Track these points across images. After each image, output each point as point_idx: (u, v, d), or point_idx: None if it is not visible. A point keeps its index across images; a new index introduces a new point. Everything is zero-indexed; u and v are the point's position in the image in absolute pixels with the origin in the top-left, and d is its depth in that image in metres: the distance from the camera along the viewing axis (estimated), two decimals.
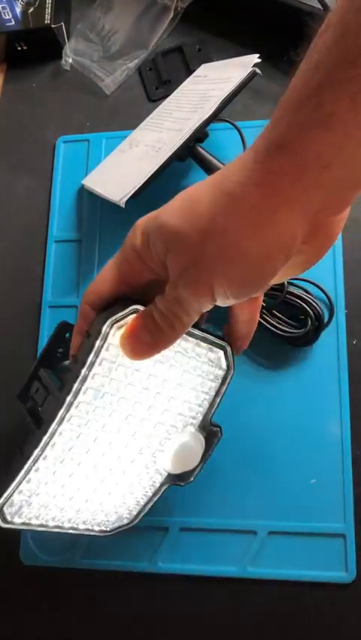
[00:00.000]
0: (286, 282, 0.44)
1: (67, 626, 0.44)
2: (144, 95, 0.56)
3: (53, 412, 0.31)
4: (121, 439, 0.34)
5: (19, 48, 0.58)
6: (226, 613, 0.42)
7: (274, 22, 0.52)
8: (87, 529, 0.38)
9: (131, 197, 0.44)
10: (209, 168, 0.48)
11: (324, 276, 0.46)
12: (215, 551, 0.43)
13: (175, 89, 0.53)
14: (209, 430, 0.37)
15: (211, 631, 0.42)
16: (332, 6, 0.48)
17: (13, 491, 0.33)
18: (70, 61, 0.57)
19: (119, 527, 0.39)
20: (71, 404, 0.31)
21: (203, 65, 0.54)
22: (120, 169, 0.50)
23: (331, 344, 0.45)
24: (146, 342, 0.28)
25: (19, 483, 0.33)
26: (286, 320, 0.44)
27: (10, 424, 0.49)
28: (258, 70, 0.45)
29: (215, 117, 0.45)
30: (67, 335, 0.40)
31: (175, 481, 0.38)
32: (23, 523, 0.35)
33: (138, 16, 0.57)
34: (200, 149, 0.48)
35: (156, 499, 0.38)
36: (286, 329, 0.44)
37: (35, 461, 0.32)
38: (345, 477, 0.42)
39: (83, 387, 0.31)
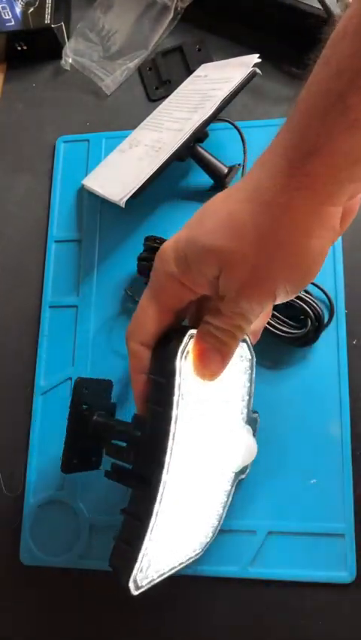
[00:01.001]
0: None
1: (67, 626, 0.44)
2: (144, 95, 0.56)
3: (156, 462, 0.30)
4: (195, 460, 0.34)
5: (19, 48, 0.58)
6: (225, 613, 0.42)
7: (274, 22, 0.52)
8: (189, 558, 0.38)
9: (131, 197, 0.44)
10: (209, 168, 0.48)
11: (324, 276, 0.46)
12: (215, 551, 0.43)
13: (175, 88, 0.53)
14: (250, 417, 0.39)
15: (211, 631, 0.42)
16: (332, 6, 0.48)
17: (141, 560, 0.32)
18: (70, 61, 0.57)
19: (207, 543, 0.40)
20: (171, 448, 0.30)
21: (203, 65, 0.54)
22: (120, 169, 0.50)
23: (331, 344, 0.45)
24: (216, 360, 0.29)
25: (145, 549, 0.31)
26: (286, 320, 0.44)
27: (9, 423, 0.48)
28: (258, 70, 0.45)
29: (215, 117, 0.45)
30: (85, 390, 0.37)
31: (239, 477, 0.40)
32: (149, 582, 0.35)
33: (138, 16, 0.57)
34: (200, 149, 0.48)
35: (230, 501, 0.39)
36: (286, 329, 0.44)
37: (153, 525, 0.31)
38: (345, 477, 0.42)
39: (175, 427, 0.30)
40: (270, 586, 0.42)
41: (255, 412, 0.40)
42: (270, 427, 0.44)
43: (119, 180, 0.47)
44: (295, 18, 0.50)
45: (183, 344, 0.29)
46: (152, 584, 0.34)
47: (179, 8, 0.55)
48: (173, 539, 0.35)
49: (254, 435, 0.39)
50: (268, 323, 0.44)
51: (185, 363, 0.30)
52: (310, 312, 0.43)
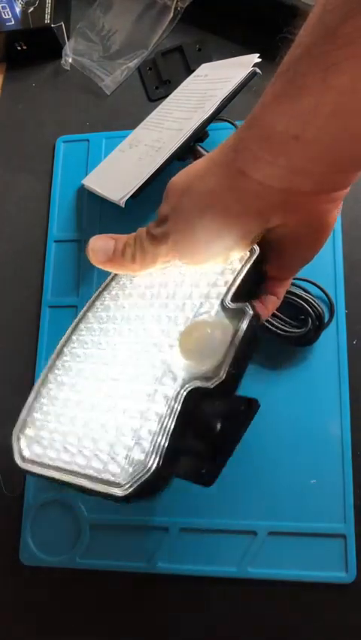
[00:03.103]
0: None
1: (67, 626, 0.44)
2: (144, 94, 0.56)
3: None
4: (125, 341, 0.33)
5: (19, 48, 0.58)
6: (226, 613, 0.42)
7: (274, 22, 0.52)
8: (102, 481, 0.28)
9: (131, 196, 0.44)
10: None
11: (324, 276, 0.46)
12: (215, 551, 0.43)
13: (175, 88, 0.53)
14: (232, 308, 0.29)
15: (211, 631, 0.42)
16: None
17: (26, 417, 0.33)
18: (70, 60, 0.57)
19: (138, 473, 0.26)
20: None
21: (203, 65, 0.54)
22: (120, 169, 0.50)
23: (331, 344, 0.45)
24: (106, 250, 0.30)
25: (30, 408, 0.33)
26: (287, 320, 0.44)
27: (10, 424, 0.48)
28: (258, 70, 0.45)
29: (215, 117, 0.45)
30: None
31: (199, 382, 0.28)
32: (40, 463, 0.31)
33: (137, 15, 0.57)
34: (200, 149, 0.48)
35: (177, 407, 0.27)
36: (287, 328, 0.44)
37: (43, 384, 0.32)
38: (345, 477, 0.42)
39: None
40: (270, 586, 0.42)
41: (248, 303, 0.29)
42: (270, 427, 0.44)
43: (119, 180, 0.47)
44: (295, 18, 0.50)
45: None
46: (54, 473, 0.30)
47: (179, 8, 0.55)
48: (88, 419, 0.31)
49: (239, 332, 0.28)
50: (269, 322, 0.44)
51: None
52: (311, 311, 0.43)
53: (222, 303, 0.30)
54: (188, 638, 0.43)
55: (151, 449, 0.26)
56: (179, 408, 0.27)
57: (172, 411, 0.27)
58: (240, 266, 0.30)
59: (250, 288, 0.31)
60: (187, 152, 0.47)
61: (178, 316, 0.31)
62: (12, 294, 0.52)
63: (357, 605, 0.41)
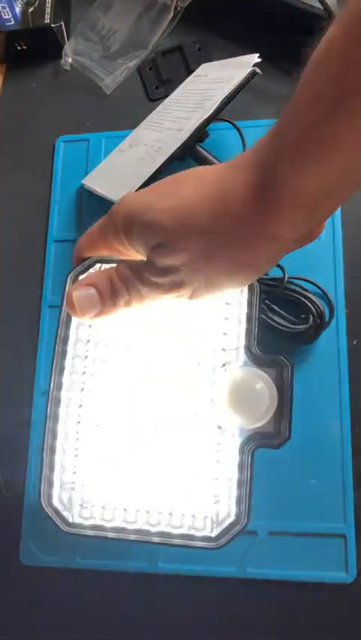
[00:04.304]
0: (285, 275, 0.44)
1: (67, 626, 0.44)
2: (144, 94, 0.56)
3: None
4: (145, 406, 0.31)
5: (19, 48, 0.58)
6: (226, 613, 0.42)
7: (274, 22, 0.52)
8: (184, 535, 0.30)
9: None
10: None
11: (324, 276, 0.46)
12: (215, 551, 0.42)
13: (175, 88, 0.53)
14: (263, 358, 0.30)
15: (211, 631, 0.42)
16: (333, 5, 0.48)
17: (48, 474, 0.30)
18: (70, 60, 0.57)
19: (227, 531, 0.30)
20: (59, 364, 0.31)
21: (203, 65, 0.54)
22: (120, 169, 0.50)
23: (331, 344, 0.45)
24: (92, 301, 0.27)
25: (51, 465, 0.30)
26: (289, 317, 0.44)
27: (10, 423, 0.48)
28: (258, 70, 0.45)
29: (215, 117, 0.45)
30: None
31: (261, 441, 0.30)
32: (92, 526, 0.30)
33: (137, 15, 0.57)
34: (200, 149, 0.48)
35: (248, 475, 0.30)
36: (288, 324, 0.44)
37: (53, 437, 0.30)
38: (345, 477, 0.42)
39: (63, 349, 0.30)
40: (270, 586, 0.42)
41: (280, 355, 0.30)
42: None
43: (119, 180, 0.47)
44: (295, 17, 0.50)
45: (75, 271, 0.29)
46: (114, 534, 0.30)
47: (179, 8, 0.55)
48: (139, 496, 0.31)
49: (283, 384, 0.29)
50: (270, 319, 0.44)
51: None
52: (312, 307, 0.43)
53: (249, 352, 0.30)
54: (188, 638, 0.43)
55: (241, 510, 0.29)
56: (249, 471, 0.29)
57: (247, 474, 0.29)
58: (248, 309, 0.30)
59: None
60: (187, 152, 0.47)
61: (204, 370, 0.31)
62: (12, 294, 0.52)
63: (357, 605, 0.41)
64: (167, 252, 0.25)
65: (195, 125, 0.44)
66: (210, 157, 0.48)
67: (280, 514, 0.42)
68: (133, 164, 0.48)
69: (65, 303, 0.29)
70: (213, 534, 0.29)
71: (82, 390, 0.31)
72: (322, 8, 0.48)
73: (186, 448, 0.30)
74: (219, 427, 0.30)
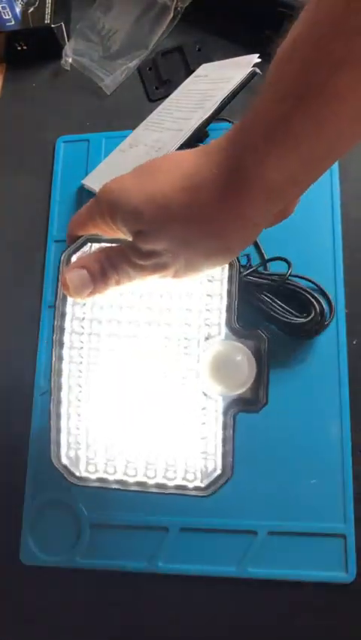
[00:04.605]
0: (290, 269, 0.44)
1: (67, 626, 0.44)
2: (144, 94, 0.56)
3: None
4: (139, 373, 0.34)
5: (19, 48, 0.58)
6: (226, 613, 0.42)
7: (274, 22, 0.52)
8: (177, 486, 0.34)
9: None
10: None
11: (324, 275, 0.46)
12: (215, 551, 0.43)
13: (175, 88, 0.53)
14: (243, 333, 0.33)
15: (211, 631, 0.42)
16: None
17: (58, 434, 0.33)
18: (70, 61, 0.57)
19: (215, 482, 0.33)
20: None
21: (203, 65, 0.54)
22: (120, 169, 0.49)
23: (331, 344, 0.45)
24: (84, 282, 0.29)
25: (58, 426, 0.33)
26: (290, 310, 0.44)
27: (10, 423, 0.48)
28: (258, 70, 0.45)
29: (215, 117, 0.45)
30: None
31: (242, 406, 0.33)
32: (98, 479, 0.34)
33: (137, 16, 0.57)
34: None
35: (231, 433, 0.33)
36: (290, 316, 0.44)
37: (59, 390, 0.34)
38: (345, 477, 0.42)
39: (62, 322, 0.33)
40: (270, 586, 0.42)
41: (257, 329, 0.33)
42: (270, 427, 0.44)
43: None
44: (295, 18, 0.50)
45: (68, 251, 0.32)
46: (117, 486, 0.34)
47: (179, 8, 0.55)
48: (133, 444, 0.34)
49: (260, 356, 0.32)
50: (273, 310, 0.44)
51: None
52: (315, 302, 0.43)
53: (229, 326, 0.33)
54: (188, 638, 0.43)
55: (225, 463, 0.33)
56: (232, 430, 0.33)
57: (231, 433, 0.33)
58: (228, 285, 0.33)
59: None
60: None
61: (189, 344, 0.34)
62: (12, 294, 0.52)
63: (357, 605, 0.41)
64: (148, 238, 0.27)
65: (195, 125, 0.44)
66: None
67: (280, 514, 0.42)
68: (133, 164, 0.47)
69: (59, 283, 0.31)
70: (203, 484, 0.33)
71: (80, 362, 0.34)
72: None
73: (176, 412, 0.34)
74: (205, 394, 0.34)
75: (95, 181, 0.51)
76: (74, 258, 0.32)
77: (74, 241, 0.33)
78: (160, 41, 0.56)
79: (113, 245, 0.30)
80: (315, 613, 0.41)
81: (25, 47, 0.58)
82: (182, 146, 0.45)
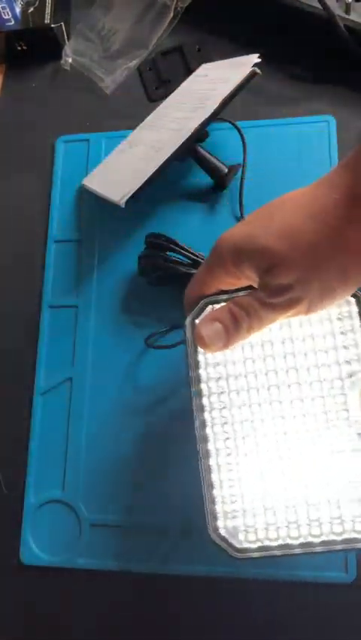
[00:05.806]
0: None
1: (67, 627, 0.44)
2: (144, 94, 0.56)
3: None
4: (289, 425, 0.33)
5: (19, 48, 0.58)
6: (225, 613, 0.42)
7: (274, 22, 0.52)
8: (346, 541, 0.32)
9: (130, 197, 0.44)
10: (209, 168, 0.48)
11: None
12: (215, 551, 0.42)
13: (175, 88, 0.53)
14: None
15: (211, 631, 0.42)
16: (333, 6, 0.48)
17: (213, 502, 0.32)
18: (70, 61, 0.57)
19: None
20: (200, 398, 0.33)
21: (203, 65, 0.54)
22: (120, 169, 0.50)
23: None
24: (218, 334, 0.30)
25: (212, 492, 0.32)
26: None
27: (10, 423, 0.48)
28: (258, 70, 0.45)
29: (215, 117, 0.45)
30: None
31: None
32: (258, 548, 0.32)
33: (137, 16, 0.57)
34: (200, 149, 0.48)
35: None
36: None
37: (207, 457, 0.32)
38: None
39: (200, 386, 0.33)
40: (270, 586, 0.42)
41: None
42: None
43: (119, 180, 0.47)
44: (296, 18, 0.50)
45: (191, 316, 0.33)
46: (282, 552, 0.32)
47: (179, 8, 0.55)
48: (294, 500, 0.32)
49: None
50: None
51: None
52: None
53: None
54: (188, 638, 0.43)
55: None
56: None
57: None
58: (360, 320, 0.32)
59: None
60: (187, 152, 0.47)
61: (332, 385, 0.33)
62: (12, 294, 0.52)
63: (357, 605, 0.41)
64: (279, 271, 0.27)
65: (195, 125, 0.44)
66: (210, 157, 0.48)
67: None
68: (133, 164, 0.48)
69: (191, 345, 0.33)
70: None
71: (224, 424, 0.33)
72: (322, 8, 0.48)
73: (331, 459, 0.32)
74: (359, 434, 0.32)
75: (95, 181, 0.51)
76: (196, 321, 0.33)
77: (194, 305, 0.33)
78: (160, 41, 0.56)
79: (238, 296, 0.30)
80: (315, 613, 0.41)
81: (25, 47, 0.58)
82: (182, 146, 0.45)
